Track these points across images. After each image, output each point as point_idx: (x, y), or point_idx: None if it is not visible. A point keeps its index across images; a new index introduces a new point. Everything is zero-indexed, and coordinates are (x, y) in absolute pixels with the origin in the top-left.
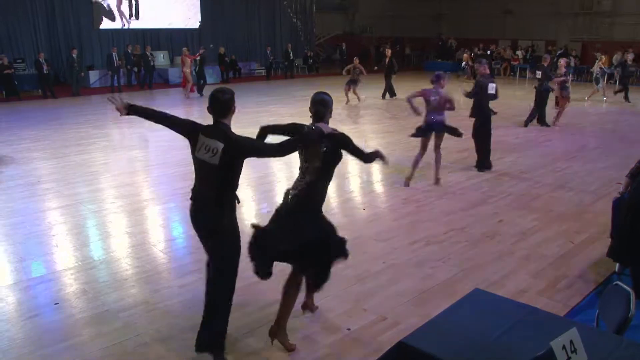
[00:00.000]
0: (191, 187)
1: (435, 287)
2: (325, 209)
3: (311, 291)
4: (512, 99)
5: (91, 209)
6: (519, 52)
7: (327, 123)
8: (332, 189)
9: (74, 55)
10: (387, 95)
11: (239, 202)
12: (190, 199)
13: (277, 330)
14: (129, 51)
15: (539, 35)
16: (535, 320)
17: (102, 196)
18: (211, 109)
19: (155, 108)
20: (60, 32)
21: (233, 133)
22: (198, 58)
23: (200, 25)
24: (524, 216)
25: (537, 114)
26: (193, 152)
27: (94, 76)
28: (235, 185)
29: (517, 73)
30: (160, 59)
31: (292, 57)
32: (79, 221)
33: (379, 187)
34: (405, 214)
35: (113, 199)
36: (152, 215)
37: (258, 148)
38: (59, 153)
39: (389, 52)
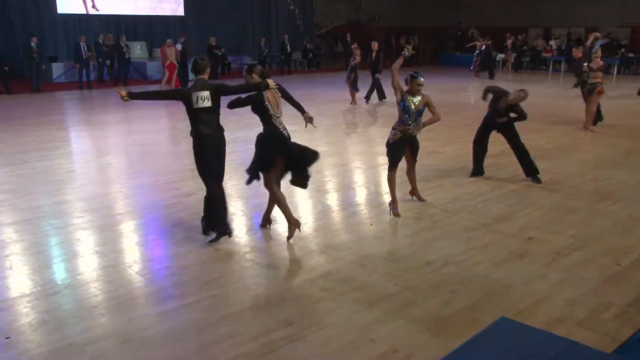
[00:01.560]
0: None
1: (454, 315)
2: (327, 224)
3: None
4: (543, 97)
5: (54, 224)
6: (552, 42)
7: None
8: (334, 201)
9: (32, 44)
10: (377, 97)
11: None
12: (202, 136)
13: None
14: (100, 41)
15: (578, 22)
16: (575, 357)
17: (67, 209)
18: (194, 69)
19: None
20: (16, 16)
21: (211, 83)
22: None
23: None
24: (559, 233)
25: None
26: (191, 107)
27: (57, 69)
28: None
29: (550, 67)
30: (137, 50)
31: (289, 50)
32: (39, 239)
33: (388, 199)
34: (419, 231)
35: (81, 213)
36: (126, 232)
37: (229, 88)
38: (15, 159)
39: (375, 45)
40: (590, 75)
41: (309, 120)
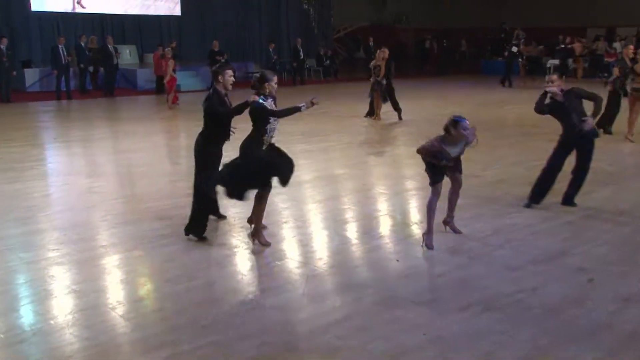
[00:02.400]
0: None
1: None
2: (345, 259)
3: None
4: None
5: (24, 258)
6: (616, 45)
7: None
8: (353, 233)
9: (1, 46)
10: (397, 112)
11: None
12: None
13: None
14: (83, 44)
15: None
16: None
17: (40, 241)
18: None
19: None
20: None
21: (210, 97)
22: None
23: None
24: (627, 275)
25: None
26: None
27: (31, 76)
28: (217, 126)
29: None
30: (126, 55)
31: (302, 57)
32: (5, 276)
33: (417, 231)
34: (454, 268)
35: (56, 245)
36: (110, 268)
37: (209, 110)
38: None
39: (385, 53)
40: (636, 80)
41: (312, 103)
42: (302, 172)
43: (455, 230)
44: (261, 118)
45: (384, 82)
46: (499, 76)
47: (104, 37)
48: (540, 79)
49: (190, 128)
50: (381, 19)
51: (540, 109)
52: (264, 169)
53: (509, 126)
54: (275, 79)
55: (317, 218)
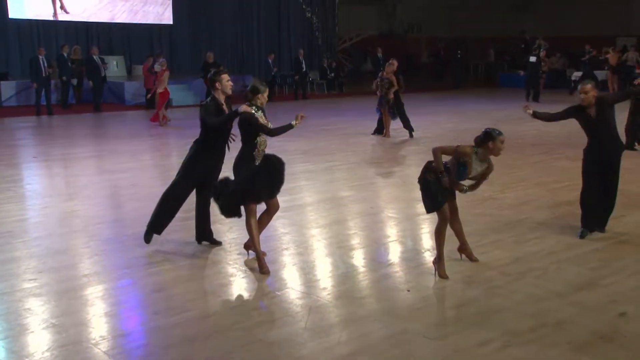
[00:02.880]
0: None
1: None
2: (351, 289)
3: None
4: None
5: None
6: None
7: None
8: (360, 261)
9: None
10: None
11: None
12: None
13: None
14: (65, 54)
15: None
16: None
17: (16, 270)
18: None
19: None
20: None
21: (206, 104)
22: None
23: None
24: None
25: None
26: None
27: (8, 90)
28: (211, 136)
29: None
30: (113, 67)
31: (304, 69)
32: None
33: (429, 258)
34: (471, 300)
35: (33, 275)
36: (93, 299)
37: (202, 119)
38: None
39: (393, 65)
40: None
41: (301, 117)
42: (304, 194)
43: (471, 258)
44: (250, 131)
45: (391, 97)
46: (519, 89)
47: (88, 47)
48: (563, 93)
49: (183, 146)
50: (391, 28)
51: (563, 114)
52: (251, 182)
53: (530, 144)
54: (266, 90)
55: (321, 244)
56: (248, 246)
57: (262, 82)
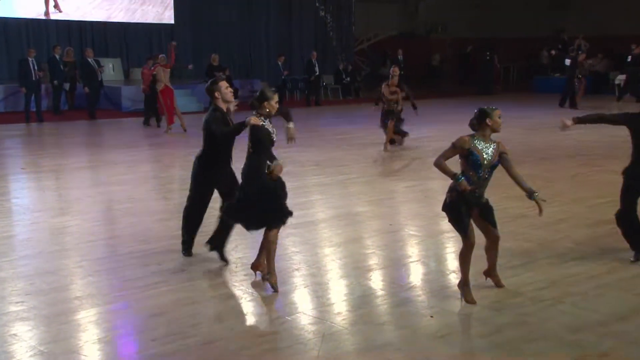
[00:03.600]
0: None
1: None
2: (368, 315)
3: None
4: None
5: None
6: None
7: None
8: (378, 283)
9: None
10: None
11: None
12: None
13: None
14: (57, 56)
15: None
16: None
17: (1, 292)
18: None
19: None
20: None
21: (211, 114)
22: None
23: (175, 21)
24: None
25: None
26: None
27: None
28: (213, 148)
29: None
30: (109, 70)
31: (317, 73)
32: None
33: (454, 281)
34: (501, 327)
35: (21, 297)
36: (86, 324)
37: (208, 129)
38: None
39: (395, 72)
40: None
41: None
42: (317, 209)
43: (498, 284)
44: (263, 144)
45: (400, 109)
46: (555, 95)
47: (82, 48)
48: (610, 98)
49: (184, 157)
50: (412, 28)
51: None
52: (274, 198)
53: (567, 156)
54: (276, 97)
55: (335, 264)
56: (256, 266)
57: (272, 87)
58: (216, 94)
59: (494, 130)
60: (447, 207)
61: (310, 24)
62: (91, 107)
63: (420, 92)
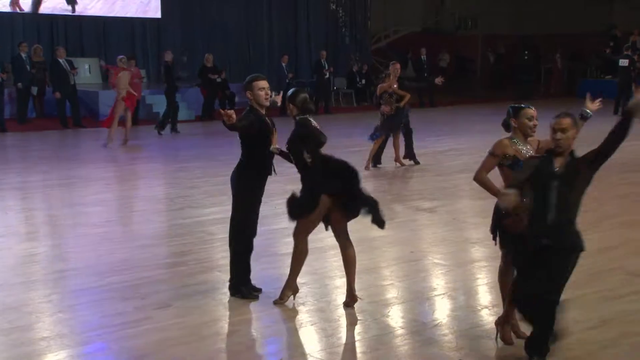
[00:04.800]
0: None
1: None
2: (386, 355)
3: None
4: None
5: None
6: None
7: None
8: (398, 320)
9: None
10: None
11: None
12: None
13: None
14: (23, 55)
15: None
16: None
17: None
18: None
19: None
20: None
21: (248, 113)
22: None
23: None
24: None
25: None
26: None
27: None
28: (252, 153)
29: None
30: (84, 72)
31: (327, 75)
32: None
33: (488, 318)
34: None
35: None
36: None
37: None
38: None
39: (397, 68)
40: None
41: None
42: (326, 234)
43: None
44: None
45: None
46: (606, 100)
47: (52, 46)
48: None
49: (173, 173)
50: (438, 23)
51: None
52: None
53: (617, 172)
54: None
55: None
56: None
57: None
58: (248, 94)
59: (524, 134)
60: (500, 235)
61: (319, 19)
62: (61, 114)
63: (447, 97)
